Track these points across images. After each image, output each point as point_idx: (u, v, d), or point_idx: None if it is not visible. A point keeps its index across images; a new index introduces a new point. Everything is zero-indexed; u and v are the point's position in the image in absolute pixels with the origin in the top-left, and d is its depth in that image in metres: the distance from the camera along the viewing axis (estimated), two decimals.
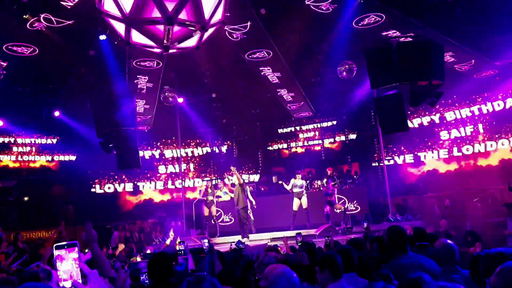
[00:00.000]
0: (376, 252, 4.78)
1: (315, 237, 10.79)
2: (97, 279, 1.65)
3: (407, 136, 14.90)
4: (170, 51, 6.30)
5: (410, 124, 13.40)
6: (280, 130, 18.46)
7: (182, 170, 16.99)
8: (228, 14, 7.87)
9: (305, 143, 18.09)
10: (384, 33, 10.53)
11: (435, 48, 8.15)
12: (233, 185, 13.31)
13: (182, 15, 5.66)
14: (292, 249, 7.23)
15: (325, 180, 13.38)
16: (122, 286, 2.13)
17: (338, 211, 12.58)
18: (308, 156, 17.68)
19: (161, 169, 17.77)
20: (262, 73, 12.81)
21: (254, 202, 12.82)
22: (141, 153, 14.22)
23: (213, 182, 15.68)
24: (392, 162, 15.74)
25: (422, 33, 9.06)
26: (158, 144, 17.99)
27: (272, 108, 16.68)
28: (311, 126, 18.01)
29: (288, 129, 18.32)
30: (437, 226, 10.23)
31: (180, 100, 14.60)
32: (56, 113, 14.63)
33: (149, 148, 17.78)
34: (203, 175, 18.12)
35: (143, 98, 13.59)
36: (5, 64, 10.41)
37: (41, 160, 16.41)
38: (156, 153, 17.92)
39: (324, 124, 17.73)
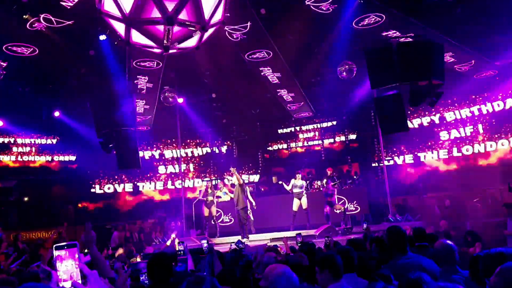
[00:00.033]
0: (376, 252, 4.78)
1: (315, 237, 10.79)
2: (97, 280, 1.65)
3: (407, 136, 14.91)
4: (170, 51, 6.30)
5: (410, 125, 13.40)
6: (280, 130, 18.46)
7: (182, 170, 16.98)
8: (228, 15, 7.86)
9: (305, 143, 18.09)
10: (384, 33, 10.53)
11: (435, 48, 8.15)
12: (232, 185, 13.31)
13: (182, 15, 5.66)
14: (292, 249, 7.23)
15: (325, 180, 13.38)
16: (122, 286, 2.13)
17: (338, 211, 12.58)
18: (308, 156, 17.68)
19: (161, 169, 17.77)
20: (262, 73, 12.81)
21: (254, 203, 12.83)
22: (141, 153, 14.22)
23: (213, 182, 15.67)
24: (392, 162, 15.75)
25: (422, 33, 9.06)
26: (158, 144, 17.99)
27: (272, 108, 16.68)
28: (311, 126, 18.02)
29: (288, 129, 18.32)
30: (437, 227, 10.23)
31: (180, 100, 14.60)
32: (56, 113, 14.63)
33: (149, 148, 17.78)
34: (202, 175, 18.12)
35: (143, 98, 13.59)
36: (5, 64, 10.40)
37: (41, 160, 16.41)
38: (156, 153, 17.92)
39: (324, 125, 17.74)
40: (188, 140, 18.13)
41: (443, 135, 15.04)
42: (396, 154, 15.92)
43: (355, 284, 3.17)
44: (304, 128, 18.09)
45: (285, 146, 18.38)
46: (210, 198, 13.34)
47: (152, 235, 14.35)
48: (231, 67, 13.22)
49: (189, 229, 14.16)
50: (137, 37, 6.17)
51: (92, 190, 16.93)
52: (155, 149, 17.92)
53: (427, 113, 15.33)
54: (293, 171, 13.94)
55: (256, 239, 12.02)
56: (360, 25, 10.30)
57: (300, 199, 12.72)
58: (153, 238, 13.94)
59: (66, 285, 1.61)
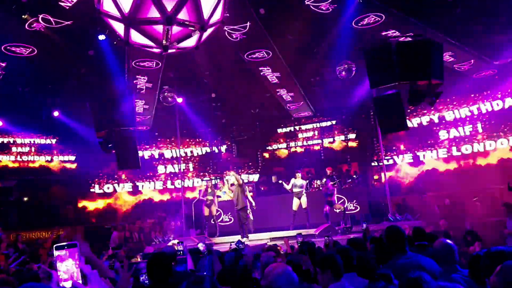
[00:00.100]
0: (374, 252, 4.78)
1: (314, 236, 10.80)
2: (97, 280, 1.65)
3: (406, 135, 14.93)
4: (170, 51, 6.30)
5: (409, 124, 13.41)
6: (279, 130, 18.46)
7: (182, 170, 16.98)
8: (228, 14, 7.86)
9: (305, 143, 18.09)
10: (383, 33, 10.53)
11: (435, 48, 8.14)
12: (232, 185, 13.32)
13: (181, 15, 5.66)
14: (291, 249, 7.23)
15: (324, 179, 13.39)
16: (126, 285, 2.13)
17: (337, 211, 12.59)
18: (308, 156, 17.69)
19: (161, 169, 17.77)
20: (261, 73, 12.81)
21: (253, 203, 12.83)
22: (140, 153, 14.22)
23: (213, 182, 15.68)
24: (391, 161, 15.75)
25: (422, 33, 9.05)
26: (158, 144, 17.99)
27: (272, 108, 16.69)
28: (310, 126, 18.01)
29: (288, 129, 18.32)
30: (437, 226, 10.25)
31: (180, 100, 14.60)
32: (56, 113, 14.63)
33: (148, 148, 17.78)
34: (201, 174, 18.12)
35: (143, 98, 13.59)
36: (4, 65, 10.40)
37: (41, 160, 16.40)
38: (156, 153, 17.92)
39: (324, 124, 17.73)
40: (188, 140, 18.13)
41: (443, 134, 15.05)
42: (395, 154, 15.93)
43: (355, 284, 3.18)
44: (303, 127, 18.09)
45: (284, 145, 18.38)
46: (210, 197, 13.35)
47: (151, 235, 14.35)
48: (230, 67, 13.22)
49: (188, 229, 14.16)
50: (136, 37, 6.17)
51: (92, 190, 16.93)
52: (154, 148, 17.92)
53: (425, 112, 15.33)
54: (292, 170, 13.95)
55: (256, 239, 12.03)
56: (359, 24, 10.31)
57: (299, 198, 12.73)
58: (153, 238, 13.94)
59: (67, 285, 1.61)
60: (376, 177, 16.66)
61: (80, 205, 16.89)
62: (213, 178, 17.48)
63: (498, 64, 12.35)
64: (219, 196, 14.11)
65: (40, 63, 11.12)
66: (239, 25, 10.27)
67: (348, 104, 15.84)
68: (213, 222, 13.57)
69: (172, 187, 17.63)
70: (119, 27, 6.13)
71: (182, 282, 3.68)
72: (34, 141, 16.34)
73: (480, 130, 14.22)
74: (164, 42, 5.81)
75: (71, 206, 16.76)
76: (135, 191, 17.36)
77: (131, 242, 13.93)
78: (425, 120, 15.52)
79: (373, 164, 16.80)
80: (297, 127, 18.14)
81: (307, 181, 13.99)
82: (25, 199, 16.61)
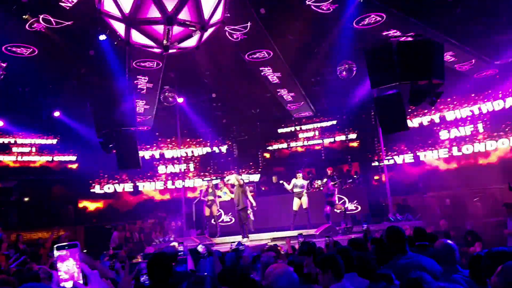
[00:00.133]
0: (374, 253, 4.78)
1: (315, 237, 10.79)
2: (98, 280, 1.65)
3: (407, 135, 14.91)
4: (170, 51, 6.30)
5: (410, 124, 13.39)
6: (280, 130, 18.45)
7: (182, 170, 16.98)
8: (228, 15, 7.86)
9: (305, 143, 18.09)
10: (384, 33, 10.53)
11: (435, 48, 8.14)
12: (232, 185, 13.33)
13: (182, 15, 5.65)
14: (292, 249, 7.23)
15: (324, 179, 13.38)
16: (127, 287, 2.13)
17: (338, 211, 12.58)
18: (308, 156, 17.68)
19: (161, 169, 17.77)
20: (262, 73, 12.81)
21: (254, 203, 12.83)
22: (141, 153, 14.22)
23: (214, 182, 15.68)
24: (392, 161, 15.74)
25: (423, 33, 9.04)
26: (158, 144, 17.99)
27: (272, 108, 16.69)
28: (311, 126, 18.01)
29: (288, 129, 18.32)
30: (438, 226, 10.24)
31: (180, 100, 14.60)
32: (56, 113, 14.64)
33: (149, 148, 17.78)
34: (201, 173, 18.13)
35: (143, 98, 13.59)
36: (4, 65, 10.40)
37: (41, 161, 16.41)
38: (156, 153, 17.92)
39: (324, 124, 17.73)
40: (188, 139, 18.12)
41: (443, 134, 15.03)
42: (396, 154, 15.92)
43: (356, 284, 3.17)
44: (304, 127, 18.08)
45: (285, 145, 18.37)
46: (210, 197, 13.36)
47: (152, 235, 14.36)
48: (231, 67, 13.22)
49: (189, 229, 14.16)
50: (137, 37, 6.17)
51: (92, 190, 16.94)
52: (155, 149, 17.92)
53: (426, 111, 15.31)
54: (293, 170, 13.95)
55: (257, 239, 12.04)
56: (360, 24, 10.30)
57: (300, 198, 12.72)
58: (153, 238, 13.95)
59: (67, 285, 1.61)
60: (376, 177, 16.65)
61: (80, 205, 16.91)
62: (214, 178, 17.49)
63: (499, 64, 12.35)
64: (220, 196, 14.11)
65: (40, 63, 11.13)
66: (239, 25, 10.27)
67: (348, 104, 15.84)
68: (214, 222, 13.58)
69: (173, 187, 17.64)
70: (119, 27, 6.13)
71: (182, 282, 3.69)
72: (34, 141, 16.34)
73: (481, 130, 14.20)
74: (164, 42, 5.81)
75: (72, 206, 16.77)
76: (135, 191, 17.35)
77: (132, 242, 13.94)
78: (426, 120, 15.50)
79: (373, 164, 16.79)
80: (297, 127, 18.13)
81: (308, 181, 13.99)
82: (26, 199, 16.64)
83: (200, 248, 6.38)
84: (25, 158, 16.08)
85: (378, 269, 3.65)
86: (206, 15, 5.84)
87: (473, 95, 14.41)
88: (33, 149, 16.27)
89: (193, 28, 5.84)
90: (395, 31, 10.39)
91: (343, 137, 17.49)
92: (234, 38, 10.77)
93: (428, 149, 15.31)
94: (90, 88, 12.69)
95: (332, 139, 17.62)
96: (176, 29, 5.83)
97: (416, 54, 8.00)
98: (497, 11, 9.97)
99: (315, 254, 5.22)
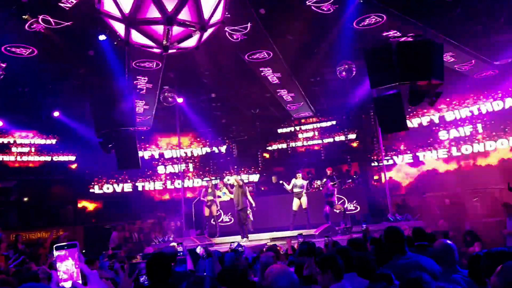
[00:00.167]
0: (373, 254, 4.78)
1: (314, 237, 10.80)
2: (97, 280, 1.65)
3: (406, 135, 14.92)
4: (170, 51, 6.29)
5: (409, 124, 13.40)
6: (279, 130, 18.46)
7: (182, 170, 16.98)
8: (229, 15, 7.86)
9: (305, 143, 18.09)
10: (384, 34, 10.53)
11: (435, 48, 8.14)
12: (232, 185, 13.34)
13: (182, 15, 5.65)
14: (292, 249, 7.23)
15: (324, 180, 13.39)
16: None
17: (337, 211, 12.59)
18: (308, 156, 17.69)
19: (160, 169, 17.78)
20: (262, 74, 12.80)
21: (254, 204, 12.84)
22: (140, 153, 14.22)
23: (213, 182, 15.69)
24: (391, 162, 15.75)
25: (423, 33, 9.05)
26: (158, 144, 17.99)
27: (272, 108, 16.70)
28: (310, 126, 18.01)
29: (288, 129, 18.32)
30: (437, 226, 10.25)
31: (180, 100, 14.60)
32: (56, 113, 14.64)
33: (148, 148, 17.78)
34: (200, 173, 18.14)
35: (143, 98, 13.59)
36: (4, 65, 10.40)
37: (41, 161, 16.41)
38: (156, 153, 17.93)
39: (324, 124, 17.74)
40: (188, 140, 18.11)
41: (443, 134, 15.04)
42: (395, 154, 15.92)
43: (356, 284, 3.17)
44: (303, 127, 18.09)
45: (284, 145, 18.38)
46: (210, 198, 13.36)
47: (151, 235, 14.36)
48: (230, 67, 13.22)
49: (188, 229, 14.16)
50: (136, 37, 6.16)
51: (92, 190, 16.94)
52: (154, 148, 17.92)
53: (425, 111, 15.32)
54: (293, 170, 13.96)
55: (256, 239, 12.04)
56: (360, 25, 10.30)
57: (300, 198, 12.73)
58: (153, 238, 13.94)
59: (66, 285, 1.61)
60: (376, 177, 16.66)
61: (80, 205, 16.90)
62: (213, 178, 17.49)
63: (498, 65, 12.35)
64: (219, 197, 14.11)
65: (40, 63, 11.12)
66: (239, 26, 10.27)
67: (348, 104, 15.85)
68: (213, 223, 13.58)
69: (172, 187, 17.64)
70: (119, 27, 6.13)
71: (182, 283, 3.68)
72: (34, 141, 16.34)
73: (480, 130, 14.22)
74: (164, 42, 5.81)
75: (71, 206, 16.77)
76: (135, 191, 17.32)
77: (131, 242, 13.93)
78: (425, 120, 15.51)
79: (373, 164, 16.80)
80: (297, 127, 18.14)
81: (307, 181, 14.00)
82: (25, 199, 16.63)
83: (198, 250, 6.37)
84: (25, 158, 16.08)
85: (377, 269, 3.65)
86: (206, 15, 5.84)
87: (472, 95, 14.42)
88: (33, 149, 16.27)
89: (193, 28, 5.83)
90: (395, 31, 10.39)
91: (342, 137, 17.50)
92: (234, 39, 10.76)
93: (428, 149, 15.32)
94: (89, 88, 12.69)
95: (331, 139, 17.63)
96: (176, 29, 5.82)
97: (415, 54, 8.00)
98: (496, 12, 9.98)
99: (315, 254, 5.22)
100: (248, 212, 12.43)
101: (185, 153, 18.06)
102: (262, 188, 17.21)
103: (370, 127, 16.91)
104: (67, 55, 11.07)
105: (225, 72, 13.71)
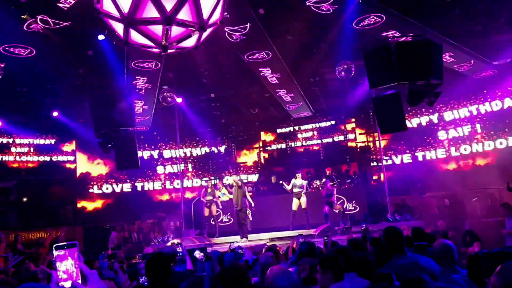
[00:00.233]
0: (373, 254, 4.78)
1: (314, 237, 10.80)
2: (96, 280, 1.64)
3: (405, 135, 14.92)
4: (169, 51, 6.28)
5: (408, 124, 13.40)
6: (279, 130, 18.47)
7: (181, 170, 16.98)
8: (228, 15, 7.85)
9: (304, 143, 18.10)
10: (384, 34, 10.53)
11: (434, 48, 8.14)
12: (231, 186, 13.33)
13: (181, 15, 5.64)
14: (293, 250, 7.22)
15: (323, 180, 13.40)
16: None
17: (337, 211, 12.59)
18: (307, 156, 17.70)
19: (160, 169, 17.77)
20: (261, 74, 12.80)
21: (253, 204, 12.84)
22: (140, 153, 14.21)
23: (212, 182, 15.69)
24: (390, 162, 15.76)
25: (422, 34, 9.06)
26: (157, 144, 17.99)
27: (271, 108, 16.71)
28: (309, 126, 18.03)
29: (287, 129, 18.33)
30: (436, 226, 10.25)
31: (179, 100, 14.59)
32: (55, 113, 14.63)
33: (147, 148, 17.78)
34: (199, 172, 18.14)
35: (142, 99, 13.58)
36: (3, 65, 10.39)
37: (40, 160, 16.40)
38: (155, 153, 17.92)
39: (323, 124, 17.75)
40: (186, 139, 18.11)
41: (441, 134, 15.06)
42: (394, 154, 15.94)
43: (356, 284, 3.17)
44: (303, 127, 18.10)
45: (284, 145, 18.39)
46: (209, 198, 13.36)
47: (150, 235, 14.35)
48: (230, 67, 13.22)
49: (188, 229, 14.15)
50: (136, 37, 6.15)
51: (91, 190, 16.94)
52: (153, 149, 17.92)
53: (424, 111, 15.32)
54: (292, 170, 13.96)
55: (255, 239, 12.04)
56: (360, 25, 10.30)
57: (299, 198, 12.74)
58: (152, 238, 13.93)
59: (66, 285, 1.60)
60: (375, 177, 16.67)
61: (79, 205, 16.89)
62: (213, 178, 17.49)
63: (497, 65, 12.37)
64: (219, 197, 14.11)
65: (39, 63, 11.10)
66: (239, 26, 10.26)
67: (347, 104, 15.86)
68: (212, 223, 13.58)
69: (171, 187, 17.64)
70: (118, 27, 6.12)
71: (181, 283, 3.68)
72: (33, 141, 16.34)
73: (479, 130, 14.24)
74: (163, 42, 5.80)
75: (71, 206, 16.76)
76: (134, 191, 17.34)
77: (130, 242, 13.92)
78: (424, 120, 15.53)
79: (372, 164, 16.81)
80: (296, 127, 18.15)
81: (307, 181, 14.01)
82: (25, 199, 16.61)
83: (197, 254, 6.35)
84: (24, 158, 16.08)
85: (377, 269, 3.65)
86: (205, 15, 5.83)
87: (471, 95, 14.44)
88: (32, 149, 16.26)
89: (192, 28, 5.83)
90: (394, 31, 10.39)
91: (341, 137, 17.51)
92: (233, 39, 10.76)
93: (427, 149, 15.34)
94: (88, 88, 12.68)
95: (330, 139, 17.63)
96: (175, 29, 5.82)
97: (415, 54, 8.00)
98: (495, 12, 9.98)
99: (314, 254, 5.22)
100: (247, 212, 12.43)
101: (184, 153, 18.06)
102: (261, 188, 17.21)
103: (369, 127, 16.94)
104: (66, 55, 11.07)
105: (225, 72, 13.71)
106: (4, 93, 12.44)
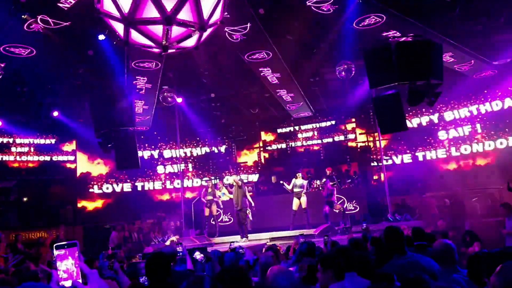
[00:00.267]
0: (374, 254, 4.78)
1: (314, 237, 10.81)
2: (97, 279, 1.64)
3: (405, 135, 14.92)
4: (169, 51, 6.28)
5: (408, 124, 13.40)
6: (279, 130, 18.47)
7: (181, 170, 16.99)
8: (228, 15, 7.84)
9: (304, 143, 18.10)
10: (384, 34, 10.53)
11: (434, 48, 8.14)
12: (231, 185, 13.34)
13: (181, 15, 5.65)
14: (291, 249, 7.23)
15: (323, 180, 13.39)
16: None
17: (337, 211, 12.60)
18: (307, 156, 17.70)
19: (160, 169, 17.78)
20: (261, 74, 12.81)
21: (253, 204, 12.85)
22: (140, 153, 14.22)
23: (213, 182, 15.69)
24: (390, 162, 15.76)
25: (422, 34, 9.06)
26: (157, 144, 17.99)
27: (271, 108, 16.70)
28: (310, 126, 18.03)
29: (287, 129, 18.33)
30: (437, 226, 10.25)
31: (179, 100, 14.59)
32: (55, 113, 14.63)
33: (147, 148, 17.78)
34: (199, 171, 18.14)
35: (142, 98, 13.58)
36: (3, 65, 10.39)
37: (40, 160, 16.40)
38: (155, 153, 17.93)
39: (323, 124, 17.75)
40: (186, 139, 18.11)
41: (442, 134, 15.06)
42: (395, 154, 15.94)
43: (356, 284, 3.17)
44: (303, 127, 18.11)
45: (284, 145, 18.39)
46: (209, 197, 13.37)
47: (151, 235, 14.35)
48: (230, 67, 13.22)
49: (188, 229, 14.16)
50: (136, 36, 6.16)
51: (91, 190, 16.94)
52: (154, 148, 17.92)
53: (424, 111, 15.32)
54: (292, 170, 13.96)
55: (255, 239, 12.05)
56: (360, 25, 10.30)
57: (299, 198, 12.74)
58: (152, 238, 13.94)
59: (66, 284, 1.60)
60: (375, 177, 16.67)
61: (79, 205, 16.90)
62: (213, 178, 17.50)
63: (497, 65, 12.37)
64: (219, 197, 14.11)
65: (39, 63, 11.10)
66: (239, 26, 10.26)
67: (347, 104, 15.86)
68: (213, 222, 13.58)
69: (172, 187, 17.64)
70: (118, 27, 6.12)
71: (181, 282, 3.68)
72: (33, 141, 16.34)
73: (479, 130, 14.24)
74: (163, 42, 5.81)
75: (71, 206, 16.76)
76: (134, 191, 17.33)
77: (130, 242, 13.92)
78: (424, 120, 15.53)
79: (372, 164, 16.81)
80: (296, 127, 18.16)
81: (307, 181, 14.01)
82: (25, 199, 16.62)
83: (197, 255, 6.35)
84: (24, 158, 16.08)
85: (377, 269, 3.65)
86: (205, 15, 5.83)
87: (471, 95, 14.44)
88: (32, 149, 16.26)
89: (192, 28, 5.83)
90: (395, 32, 10.39)
91: (342, 137, 17.51)
92: (233, 39, 10.75)
93: (427, 149, 15.33)
94: (89, 88, 12.68)
95: (331, 139, 17.64)
96: (175, 29, 5.82)
97: (415, 54, 8.00)
98: (496, 12, 9.98)
99: (314, 254, 5.22)
100: (247, 212, 12.43)
101: (185, 153, 18.06)
102: (262, 188, 17.22)
103: (369, 127, 16.94)
104: (66, 55, 11.07)
105: (225, 72, 13.71)
106: (4, 93, 12.44)
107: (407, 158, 15.69)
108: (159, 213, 16.18)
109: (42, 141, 16.49)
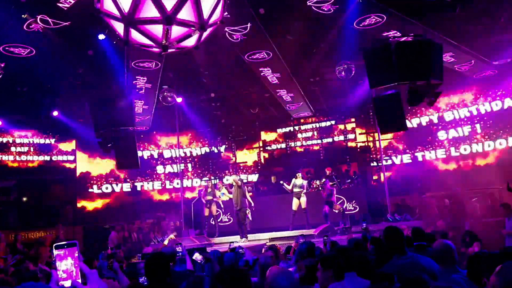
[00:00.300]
0: (373, 254, 4.78)
1: (313, 237, 10.81)
2: (96, 279, 1.64)
3: (405, 135, 14.92)
4: (169, 51, 6.28)
5: (408, 124, 13.40)
6: (279, 130, 18.47)
7: (181, 170, 16.98)
8: (228, 15, 7.84)
9: (304, 143, 18.10)
10: (384, 34, 10.53)
11: (434, 48, 8.15)
12: (231, 185, 13.34)
13: (181, 15, 5.64)
14: (290, 249, 7.23)
15: (323, 180, 13.39)
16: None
17: (337, 211, 12.59)
18: (307, 156, 17.69)
19: (160, 169, 17.77)
20: (261, 74, 12.80)
21: (252, 204, 12.85)
22: (139, 153, 14.21)
23: (212, 182, 15.69)
24: (390, 162, 15.76)
25: (422, 34, 9.06)
26: (157, 144, 17.99)
27: (271, 108, 16.70)
28: (309, 126, 18.02)
29: (287, 129, 18.33)
30: (436, 226, 10.25)
31: (179, 99, 14.59)
32: (55, 113, 14.62)
33: (147, 148, 17.78)
34: (199, 171, 18.13)
35: (142, 98, 13.57)
36: (3, 65, 10.38)
37: (40, 160, 16.39)
38: (155, 153, 17.92)
39: (323, 124, 17.74)
40: (187, 139, 18.11)
41: (441, 134, 15.06)
42: (394, 154, 15.93)
43: (356, 284, 3.17)
44: (303, 127, 18.10)
45: (284, 145, 18.39)
46: (209, 197, 13.37)
47: (150, 235, 14.35)
48: (230, 67, 13.22)
49: (188, 229, 14.16)
50: (136, 36, 6.15)
51: (91, 190, 16.94)
52: (153, 148, 17.92)
53: (423, 110, 15.31)
54: (292, 170, 13.95)
55: (255, 239, 12.04)
56: (361, 25, 10.30)
57: (299, 198, 12.74)
58: (152, 238, 13.93)
59: (66, 284, 1.60)
60: (375, 177, 16.67)
61: (79, 205, 16.90)
62: (213, 178, 17.49)
63: (497, 65, 12.37)
64: (219, 197, 14.12)
65: (39, 63, 11.09)
66: (239, 26, 10.26)
67: (347, 104, 15.86)
68: (212, 223, 13.58)
69: (171, 187, 17.64)
70: (118, 27, 6.12)
71: (181, 282, 3.68)
72: (33, 141, 16.33)
73: (479, 131, 14.23)
74: (163, 41, 5.80)
75: (71, 206, 16.76)
76: (134, 191, 17.34)
77: (130, 242, 13.92)
78: (424, 120, 15.53)
79: (372, 164, 16.81)
80: (296, 127, 18.15)
81: (307, 181, 14.00)
82: (24, 199, 16.61)
83: (197, 257, 6.35)
84: (24, 158, 16.07)
85: (377, 269, 3.65)
86: (205, 15, 5.83)
87: (471, 95, 14.44)
88: (32, 149, 16.25)
89: (192, 28, 5.83)
90: (395, 31, 10.39)
91: (341, 137, 17.51)
92: (234, 39, 10.75)
93: (427, 149, 15.33)
94: (89, 88, 12.68)
95: (330, 139, 17.63)
96: (175, 29, 5.82)
97: (415, 54, 8.01)
98: (496, 12, 9.99)
99: (314, 255, 5.22)
100: (247, 212, 12.43)
101: (184, 153, 18.06)
102: (261, 188, 17.21)
103: (369, 127, 16.94)
104: (66, 55, 11.05)
105: (225, 72, 13.71)
106: (4, 93, 12.43)
107: (406, 158, 15.69)
108: (159, 213, 16.17)
109: (42, 140, 16.48)
